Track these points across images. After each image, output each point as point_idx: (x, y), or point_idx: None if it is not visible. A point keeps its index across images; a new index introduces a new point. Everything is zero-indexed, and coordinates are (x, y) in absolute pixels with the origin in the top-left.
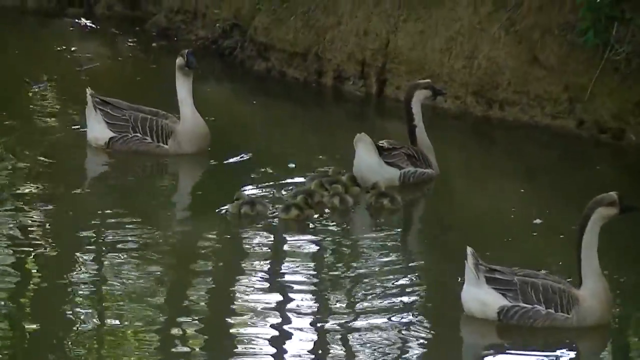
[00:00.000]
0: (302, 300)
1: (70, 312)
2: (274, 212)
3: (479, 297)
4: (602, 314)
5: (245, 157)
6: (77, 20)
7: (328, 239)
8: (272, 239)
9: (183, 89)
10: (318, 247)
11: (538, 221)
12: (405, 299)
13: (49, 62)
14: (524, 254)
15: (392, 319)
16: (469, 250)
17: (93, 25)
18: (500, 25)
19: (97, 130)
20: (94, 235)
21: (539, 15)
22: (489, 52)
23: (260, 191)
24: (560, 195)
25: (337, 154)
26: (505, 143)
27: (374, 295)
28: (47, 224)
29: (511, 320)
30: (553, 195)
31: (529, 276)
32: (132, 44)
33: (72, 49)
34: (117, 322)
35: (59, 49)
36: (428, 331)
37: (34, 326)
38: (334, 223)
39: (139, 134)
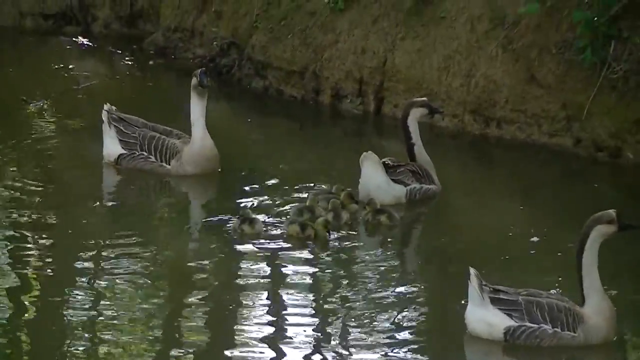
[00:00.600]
0: (299, 321)
1: (65, 331)
2: (270, 230)
3: (485, 318)
4: (608, 331)
5: (244, 174)
6: (74, 39)
7: (326, 257)
8: (268, 257)
9: (196, 109)
10: (315, 266)
11: (535, 239)
12: (406, 319)
13: (46, 81)
14: (522, 272)
15: (394, 338)
16: (472, 271)
17: (90, 44)
18: (498, 43)
19: (110, 146)
20: (91, 255)
21: (536, 33)
22: (486, 70)
23: (258, 208)
24: (558, 214)
25: (334, 171)
26: (503, 161)
27: (374, 315)
28: (45, 241)
29: (518, 341)
30: (551, 213)
31: (533, 295)
32: (129, 62)
33: (70, 67)
34: (111, 338)
35: (56, 67)
36: (432, 351)
37: (30, 343)
38: (332, 240)
39: (144, 153)
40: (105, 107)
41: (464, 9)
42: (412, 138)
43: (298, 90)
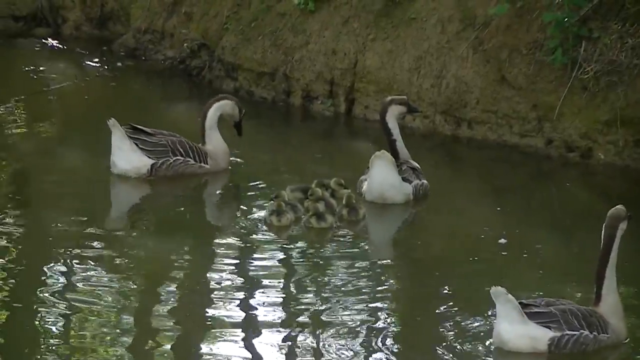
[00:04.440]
0: (272, 319)
1: (42, 330)
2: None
3: (526, 333)
4: (625, 328)
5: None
6: (44, 41)
7: (301, 254)
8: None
9: (213, 119)
10: (291, 263)
11: (503, 241)
12: (380, 320)
13: (16, 83)
14: (490, 274)
15: (372, 342)
16: (501, 289)
17: (60, 46)
18: (468, 44)
19: (135, 159)
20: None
21: (507, 34)
22: (457, 71)
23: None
24: (529, 215)
25: (306, 172)
26: (474, 162)
27: (348, 318)
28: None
29: (563, 350)
30: (522, 214)
31: (555, 304)
32: (99, 64)
33: (40, 69)
34: (86, 332)
35: (26, 69)
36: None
37: (2, 339)
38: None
39: (180, 157)
40: (112, 121)
41: (434, 10)
42: (393, 135)
43: (268, 92)
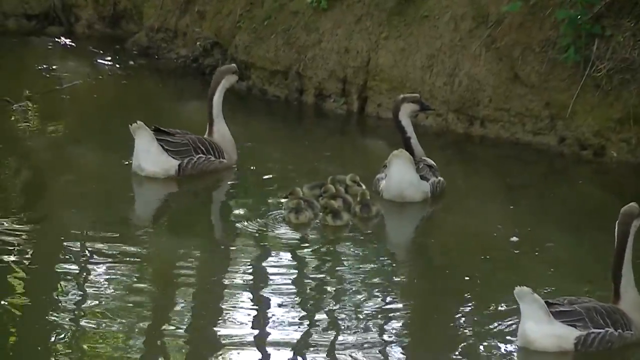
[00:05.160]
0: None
1: (50, 323)
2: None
3: (552, 332)
4: None
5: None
6: (57, 39)
7: (312, 252)
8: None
9: (219, 106)
10: (304, 262)
11: (515, 239)
12: (391, 321)
13: (29, 81)
14: (501, 272)
15: (381, 340)
16: (526, 289)
17: (73, 44)
18: (481, 42)
19: (163, 161)
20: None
21: (520, 32)
22: (469, 69)
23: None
24: (541, 212)
25: (318, 170)
26: (486, 160)
27: (358, 320)
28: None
29: (590, 349)
30: (534, 212)
31: (579, 303)
32: (112, 63)
33: (53, 67)
34: (96, 330)
35: (39, 67)
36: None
37: (15, 338)
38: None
39: (203, 155)
40: (138, 124)
41: (447, 8)
42: (407, 132)
43: (281, 90)
